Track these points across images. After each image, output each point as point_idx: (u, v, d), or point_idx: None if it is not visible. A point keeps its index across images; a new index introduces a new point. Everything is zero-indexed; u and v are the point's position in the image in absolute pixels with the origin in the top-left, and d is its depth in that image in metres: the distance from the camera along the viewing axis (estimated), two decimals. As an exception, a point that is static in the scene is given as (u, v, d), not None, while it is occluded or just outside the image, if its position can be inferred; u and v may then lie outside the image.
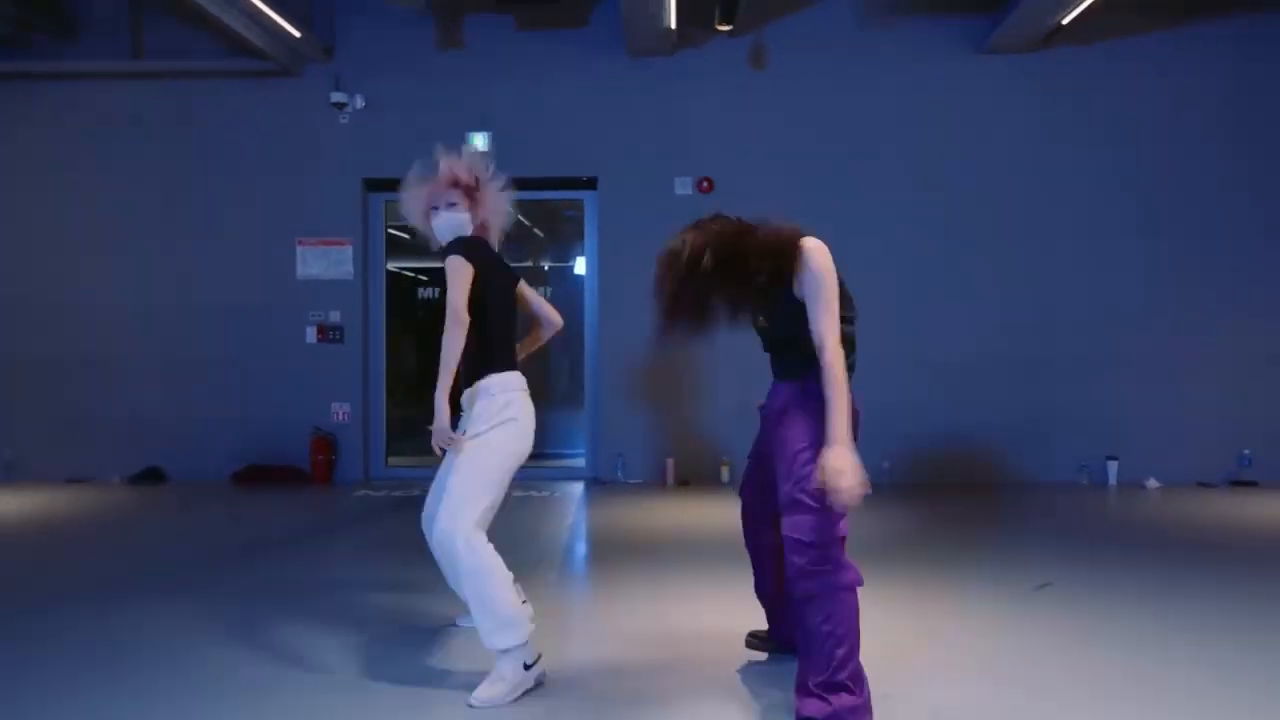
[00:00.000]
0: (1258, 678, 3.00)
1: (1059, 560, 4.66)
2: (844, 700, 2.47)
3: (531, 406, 3.21)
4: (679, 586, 4.16)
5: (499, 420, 3.06)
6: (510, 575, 2.94)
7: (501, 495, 3.04)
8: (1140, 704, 2.77)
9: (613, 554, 5.01)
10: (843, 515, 2.51)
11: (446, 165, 3.25)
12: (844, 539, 2.55)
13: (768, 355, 3.00)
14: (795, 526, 2.52)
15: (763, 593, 3.16)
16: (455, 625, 3.57)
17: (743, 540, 3.15)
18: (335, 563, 4.83)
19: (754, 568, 3.15)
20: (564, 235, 8.97)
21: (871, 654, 2.74)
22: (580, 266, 8.74)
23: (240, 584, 4.30)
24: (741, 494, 3.15)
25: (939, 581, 4.25)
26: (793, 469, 2.57)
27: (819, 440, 2.51)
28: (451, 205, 3.23)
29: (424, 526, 3.39)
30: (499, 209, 3.32)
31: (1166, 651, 3.28)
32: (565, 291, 8.81)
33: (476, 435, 3.03)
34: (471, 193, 3.25)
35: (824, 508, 2.46)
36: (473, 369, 3.10)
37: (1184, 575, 4.37)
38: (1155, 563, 4.63)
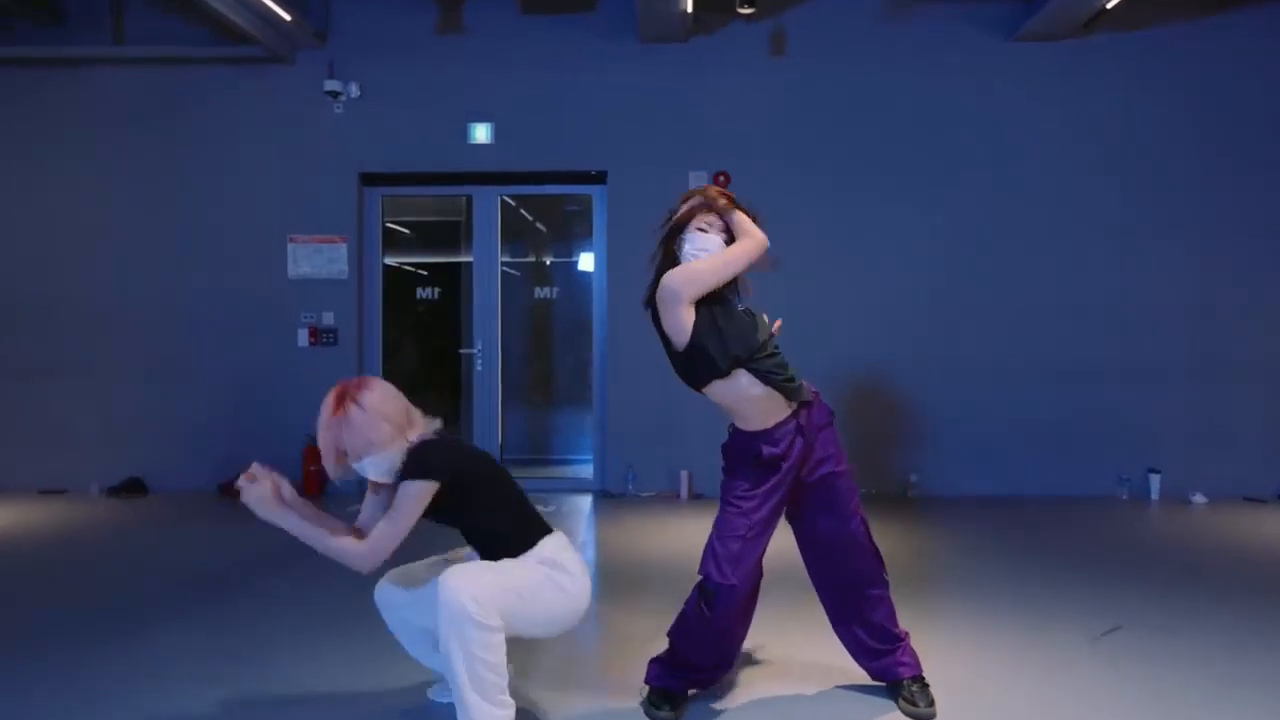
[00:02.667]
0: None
1: (1118, 591, 4.24)
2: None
3: None
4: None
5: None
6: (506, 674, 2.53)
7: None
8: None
9: (635, 581, 4.58)
10: None
11: None
12: None
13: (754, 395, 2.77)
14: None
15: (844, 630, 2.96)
16: (432, 700, 3.03)
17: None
18: (315, 605, 4.39)
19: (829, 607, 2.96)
20: (566, 230, 8.57)
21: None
22: (585, 263, 8.34)
23: (205, 621, 3.88)
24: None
25: (990, 614, 3.82)
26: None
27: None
28: None
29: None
30: None
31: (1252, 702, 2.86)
32: (570, 288, 8.43)
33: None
34: None
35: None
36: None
37: (1255, 606, 3.94)
38: (1224, 593, 4.21)
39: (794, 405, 2.75)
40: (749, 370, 2.69)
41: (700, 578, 2.71)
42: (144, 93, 7.17)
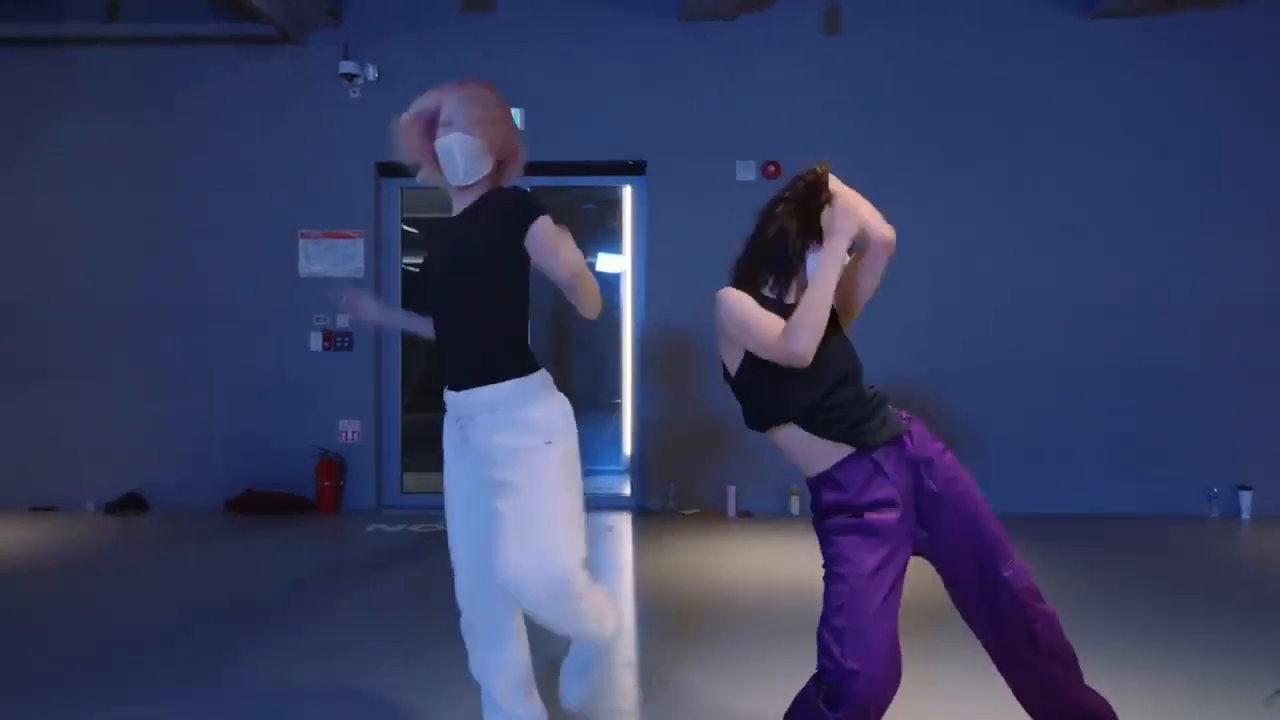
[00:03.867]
0: None
1: (1254, 633, 3.70)
2: None
3: None
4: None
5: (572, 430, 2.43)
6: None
7: None
8: None
9: (682, 618, 4.02)
10: None
11: None
12: None
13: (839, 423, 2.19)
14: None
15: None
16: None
17: None
18: (334, 637, 3.83)
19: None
20: (583, 230, 8.04)
21: None
22: (603, 264, 7.83)
23: (204, 675, 3.32)
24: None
25: (1123, 664, 3.27)
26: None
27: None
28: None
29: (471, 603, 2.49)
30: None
31: None
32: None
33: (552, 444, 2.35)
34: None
35: None
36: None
37: None
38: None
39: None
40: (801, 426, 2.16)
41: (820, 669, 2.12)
42: (141, 75, 6.63)
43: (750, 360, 2.22)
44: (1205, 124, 6.41)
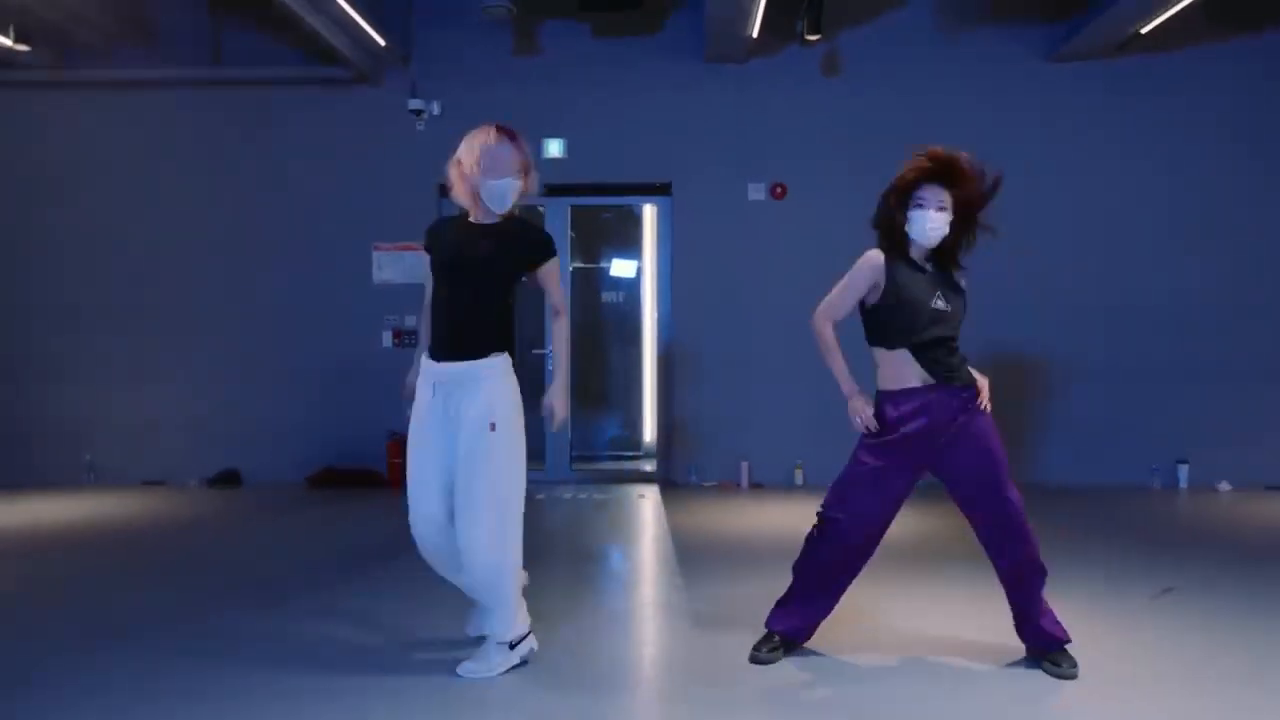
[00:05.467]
0: None
1: (1162, 563, 4.74)
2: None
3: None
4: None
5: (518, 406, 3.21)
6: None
7: None
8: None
9: (706, 562, 5.07)
10: None
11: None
12: None
13: (905, 351, 3.18)
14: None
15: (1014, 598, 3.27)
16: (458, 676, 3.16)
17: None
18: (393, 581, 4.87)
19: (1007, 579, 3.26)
20: (602, 238, 9.05)
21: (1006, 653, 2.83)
22: (616, 268, 8.84)
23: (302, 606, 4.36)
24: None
25: (1065, 584, 4.32)
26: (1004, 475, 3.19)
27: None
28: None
29: (424, 530, 3.18)
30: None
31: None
32: (612, 292, 8.95)
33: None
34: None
35: None
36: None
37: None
38: (1258, 564, 4.72)
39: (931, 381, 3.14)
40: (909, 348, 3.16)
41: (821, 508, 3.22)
42: (239, 111, 7.66)
43: (880, 301, 3.20)
44: (1153, 153, 7.41)
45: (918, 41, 7.46)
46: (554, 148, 7.57)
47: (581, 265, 8.99)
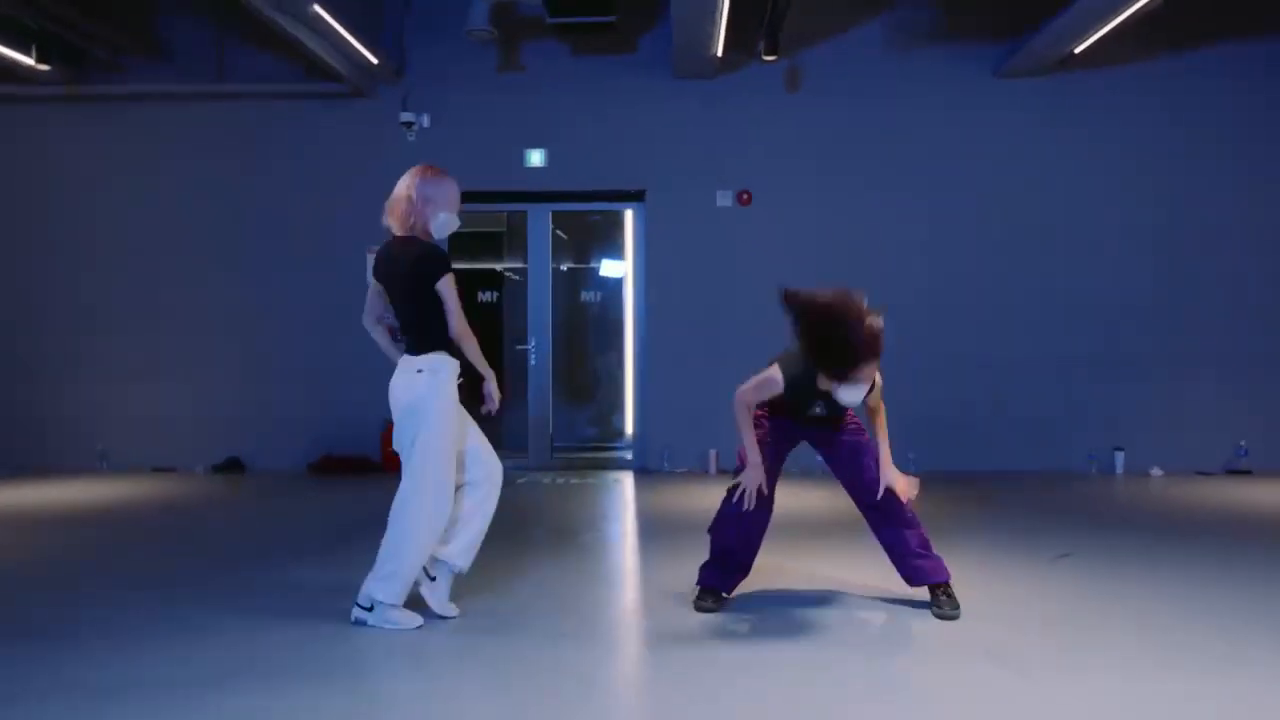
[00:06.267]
0: (1257, 631, 3.66)
1: (1072, 536, 5.31)
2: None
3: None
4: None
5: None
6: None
7: None
8: (1125, 645, 3.43)
9: (674, 536, 5.64)
10: None
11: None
12: None
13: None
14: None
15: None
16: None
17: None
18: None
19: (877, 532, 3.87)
20: (590, 238, 9.60)
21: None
22: (605, 268, 9.39)
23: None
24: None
25: (973, 550, 4.89)
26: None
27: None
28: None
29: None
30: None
31: (1151, 602, 3.93)
32: (597, 292, 9.49)
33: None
34: None
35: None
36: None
37: (1182, 547, 5.02)
38: (1158, 537, 5.29)
39: None
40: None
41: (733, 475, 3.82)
42: (242, 123, 8.23)
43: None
44: (1090, 162, 7.99)
45: (873, 58, 8.02)
46: (536, 157, 8.13)
47: (573, 266, 9.58)
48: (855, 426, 3.89)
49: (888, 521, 3.79)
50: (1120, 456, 7.82)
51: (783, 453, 3.88)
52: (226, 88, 8.10)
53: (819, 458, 3.95)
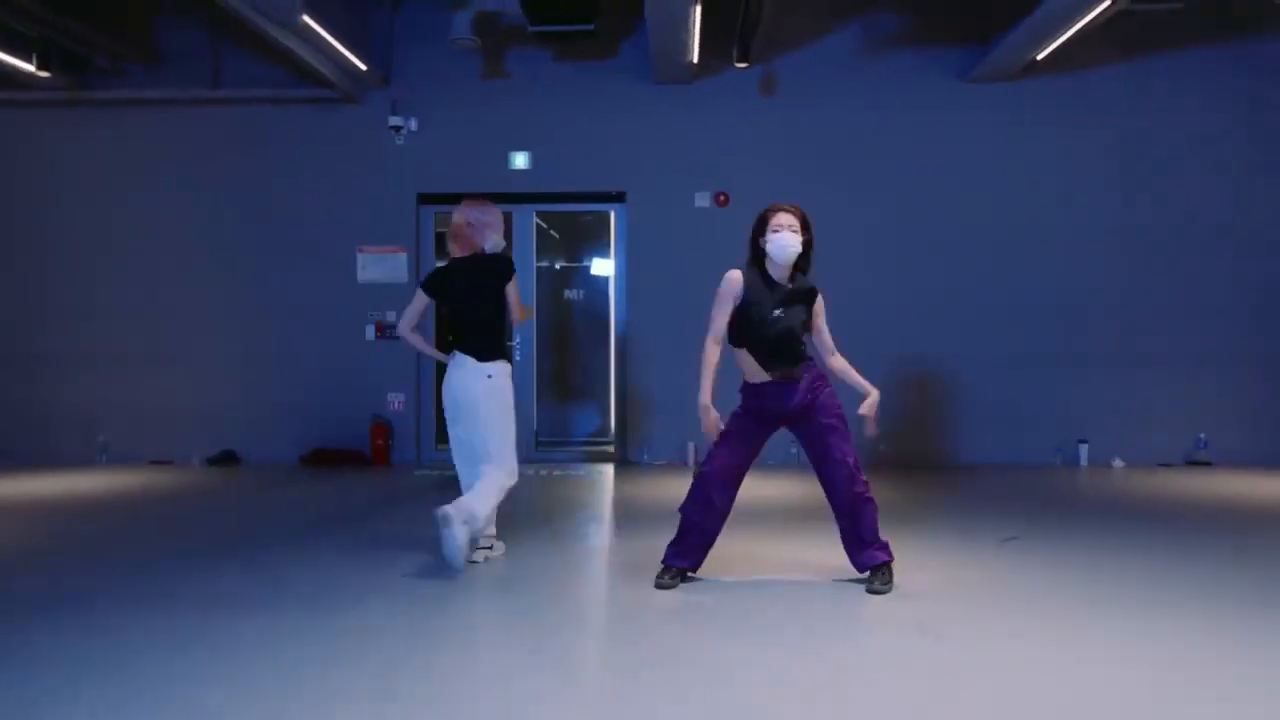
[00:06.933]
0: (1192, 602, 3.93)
1: (1025, 523, 5.59)
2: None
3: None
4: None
5: None
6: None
7: None
8: (1063, 611, 3.70)
9: (652, 523, 5.91)
10: None
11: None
12: None
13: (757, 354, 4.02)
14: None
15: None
16: (473, 561, 4.44)
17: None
18: (383, 535, 5.72)
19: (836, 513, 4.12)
20: (582, 237, 9.86)
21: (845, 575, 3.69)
22: (597, 267, 9.64)
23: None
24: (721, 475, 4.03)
25: (929, 535, 5.17)
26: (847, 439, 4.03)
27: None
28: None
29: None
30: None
31: (1089, 576, 4.21)
32: (582, 288, 9.74)
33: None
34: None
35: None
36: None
37: (1128, 533, 5.30)
38: (1106, 523, 5.56)
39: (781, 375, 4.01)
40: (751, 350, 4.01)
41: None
42: (237, 127, 8.51)
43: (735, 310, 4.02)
44: (1055, 165, 8.25)
45: (844, 64, 8.30)
46: (520, 160, 8.40)
47: (566, 264, 9.85)
48: (836, 417, 4.03)
49: (848, 506, 4.02)
50: (1084, 449, 8.09)
51: (757, 443, 4.08)
52: (222, 93, 8.37)
53: (794, 450, 4.19)
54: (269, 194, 8.52)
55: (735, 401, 4.08)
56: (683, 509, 4.13)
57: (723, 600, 3.89)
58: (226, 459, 8.44)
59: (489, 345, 4.43)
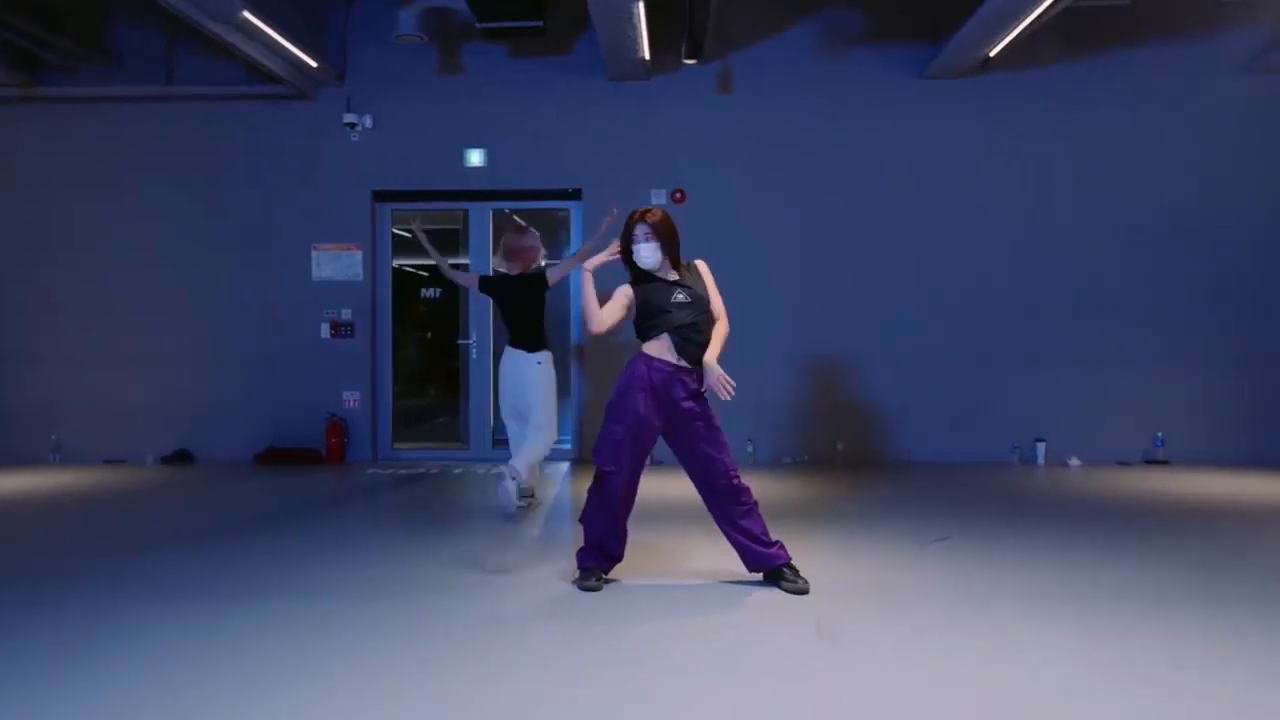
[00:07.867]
0: (1144, 595, 3.88)
1: (964, 523, 5.54)
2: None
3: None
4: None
5: None
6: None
7: None
8: (987, 607, 3.66)
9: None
10: None
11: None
12: None
13: (668, 337, 4.03)
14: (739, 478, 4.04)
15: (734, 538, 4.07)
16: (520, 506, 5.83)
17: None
18: (344, 529, 5.67)
19: (723, 523, 4.07)
20: (557, 233, 9.81)
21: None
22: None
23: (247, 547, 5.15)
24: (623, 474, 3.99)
25: (874, 534, 5.12)
26: (725, 452, 4.00)
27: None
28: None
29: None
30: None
31: (1021, 573, 4.16)
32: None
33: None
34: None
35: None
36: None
37: (1068, 532, 5.25)
38: (1044, 523, 5.52)
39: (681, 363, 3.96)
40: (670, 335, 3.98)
41: (596, 467, 4.00)
42: (190, 125, 8.46)
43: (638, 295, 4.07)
44: (1013, 162, 8.21)
45: (802, 61, 8.25)
46: (475, 157, 8.35)
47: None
48: (709, 421, 4.02)
49: (729, 510, 4.00)
50: (1041, 448, 8.04)
51: (645, 447, 4.05)
52: (175, 90, 8.33)
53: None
54: (223, 191, 8.47)
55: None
56: (583, 519, 4.10)
57: (629, 599, 3.85)
58: (181, 458, 8.39)
59: (536, 339, 5.78)
